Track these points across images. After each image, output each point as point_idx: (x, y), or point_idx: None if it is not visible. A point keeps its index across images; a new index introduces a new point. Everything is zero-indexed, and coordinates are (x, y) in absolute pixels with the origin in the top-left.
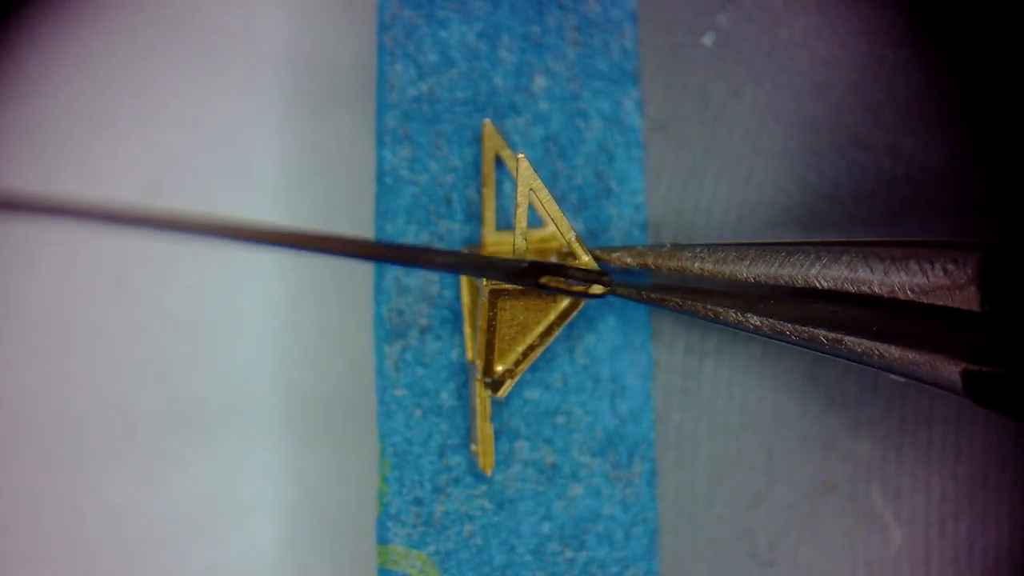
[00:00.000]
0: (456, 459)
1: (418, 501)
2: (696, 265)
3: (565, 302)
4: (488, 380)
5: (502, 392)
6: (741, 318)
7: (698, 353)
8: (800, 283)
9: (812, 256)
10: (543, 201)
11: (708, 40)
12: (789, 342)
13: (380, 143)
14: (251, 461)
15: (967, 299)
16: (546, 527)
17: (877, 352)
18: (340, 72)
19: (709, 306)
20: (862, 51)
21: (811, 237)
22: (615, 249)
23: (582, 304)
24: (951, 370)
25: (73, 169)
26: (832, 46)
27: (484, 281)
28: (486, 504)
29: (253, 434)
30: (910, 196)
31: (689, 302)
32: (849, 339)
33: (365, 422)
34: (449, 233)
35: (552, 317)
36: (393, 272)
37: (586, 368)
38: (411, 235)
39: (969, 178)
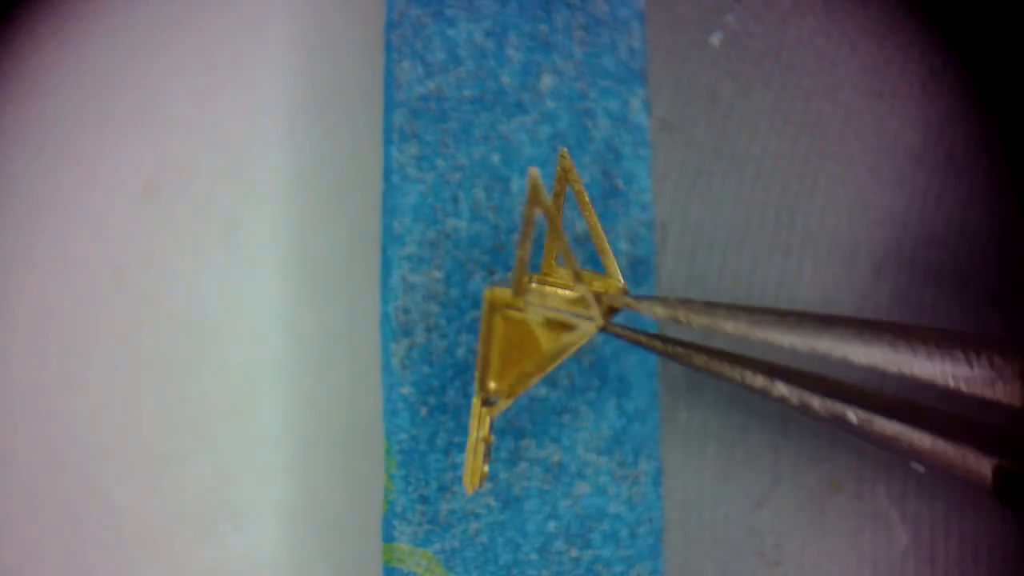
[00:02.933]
0: (462, 457)
1: (424, 499)
2: (730, 325)
3: (571, 336)
4: (484, 396)
5: (493, 411)
6: (768, 384)
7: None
8: (837, 355)
9: (854, 330)
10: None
11: (716, 40)
12: (816, 416)
13: (387, 141)
14: (253, 460)
15: (1009, 393)
16: (552, 525)
17: (907, 439)
18: (346, 69)
19: (736, 368)
20: (870, 51)
21: (818, 236)
22: (645, 299)
23: (583, 341)
24: (983, 464)
25: (73, 169)
26: (840, 46)
27: (485, 291)
28: (492, 502)
29: (253, 434)
30: (919, 196)
31: (715, 362)
32: (879, 421)
33: (371, 420)
34: (456, 232)
35: (556, 348)
36: (400, 270)
37: (593, 366)
38: (417, 233)
39: (975, 176)
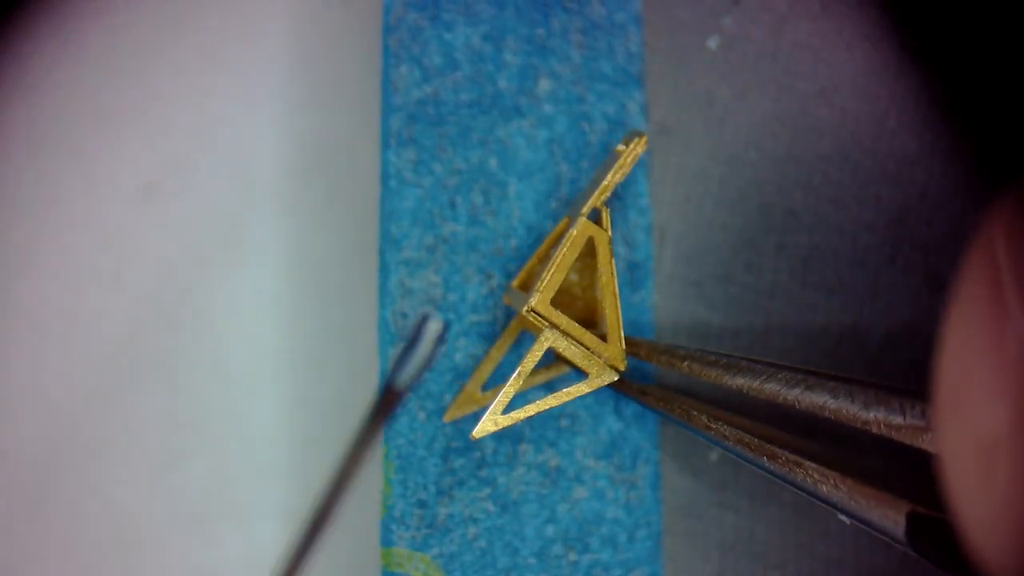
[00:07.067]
0: (460, 462)
1: (422, 504)
2: (684, 365)
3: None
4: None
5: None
6: (710, 424)
7: None
8: (780, 400)
9: (798, 378)
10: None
11: (713, 43)
12: (748, 456)
13: (385, 145)
14: (251, 461)
15: (934, 443)
16: (550, 530)
17: (832, 482)
18: (344, 73)
19: (684, 408)
20: (866, 55)
21: (815, 239)
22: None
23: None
24: (898, 510)
25: (72, 169)
26: (837, 50)
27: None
28: (490, 507)
29: (253, 434)
30: (916, 198)
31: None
32: (808, 464)
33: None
34: (453, 236)
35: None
36: (398, 275)
37: None
38: (415, 237)
39: (972, 178)
